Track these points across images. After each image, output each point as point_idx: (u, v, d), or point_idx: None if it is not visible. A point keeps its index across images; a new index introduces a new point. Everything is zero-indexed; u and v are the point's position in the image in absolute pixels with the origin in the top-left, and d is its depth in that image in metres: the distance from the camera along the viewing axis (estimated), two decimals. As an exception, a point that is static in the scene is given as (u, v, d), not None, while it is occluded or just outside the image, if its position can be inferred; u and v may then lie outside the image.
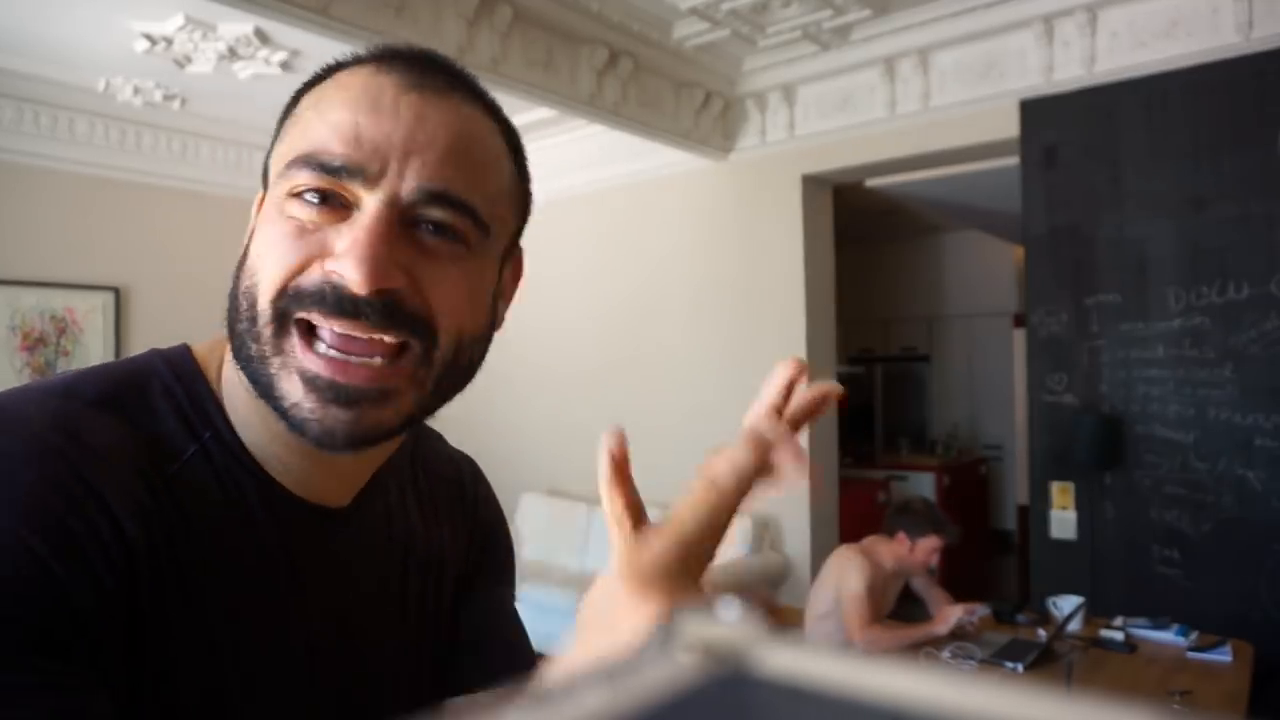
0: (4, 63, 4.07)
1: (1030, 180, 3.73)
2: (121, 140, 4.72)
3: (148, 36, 3.77)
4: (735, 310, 4.71)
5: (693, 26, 3.95)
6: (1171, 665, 2.54)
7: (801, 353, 4.48)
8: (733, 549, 4.44)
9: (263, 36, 3.82)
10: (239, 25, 3.71)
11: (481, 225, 0.54)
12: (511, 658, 0.73)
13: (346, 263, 0.49)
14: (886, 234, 7.34)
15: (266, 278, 0.51)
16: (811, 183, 4.55)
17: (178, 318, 4.78)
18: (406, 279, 0.51)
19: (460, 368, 0.55)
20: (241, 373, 0.54)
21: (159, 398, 0.54)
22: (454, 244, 0.53)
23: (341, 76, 0.55)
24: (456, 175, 0.52)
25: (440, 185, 0.52)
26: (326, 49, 3.76)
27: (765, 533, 4.55)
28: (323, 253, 0.50)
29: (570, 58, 3.87)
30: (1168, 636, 2.72)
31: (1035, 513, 3.75)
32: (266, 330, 0.51)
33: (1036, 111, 3.70)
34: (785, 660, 0.18)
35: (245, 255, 0.54)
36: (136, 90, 4.40)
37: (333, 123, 0.52)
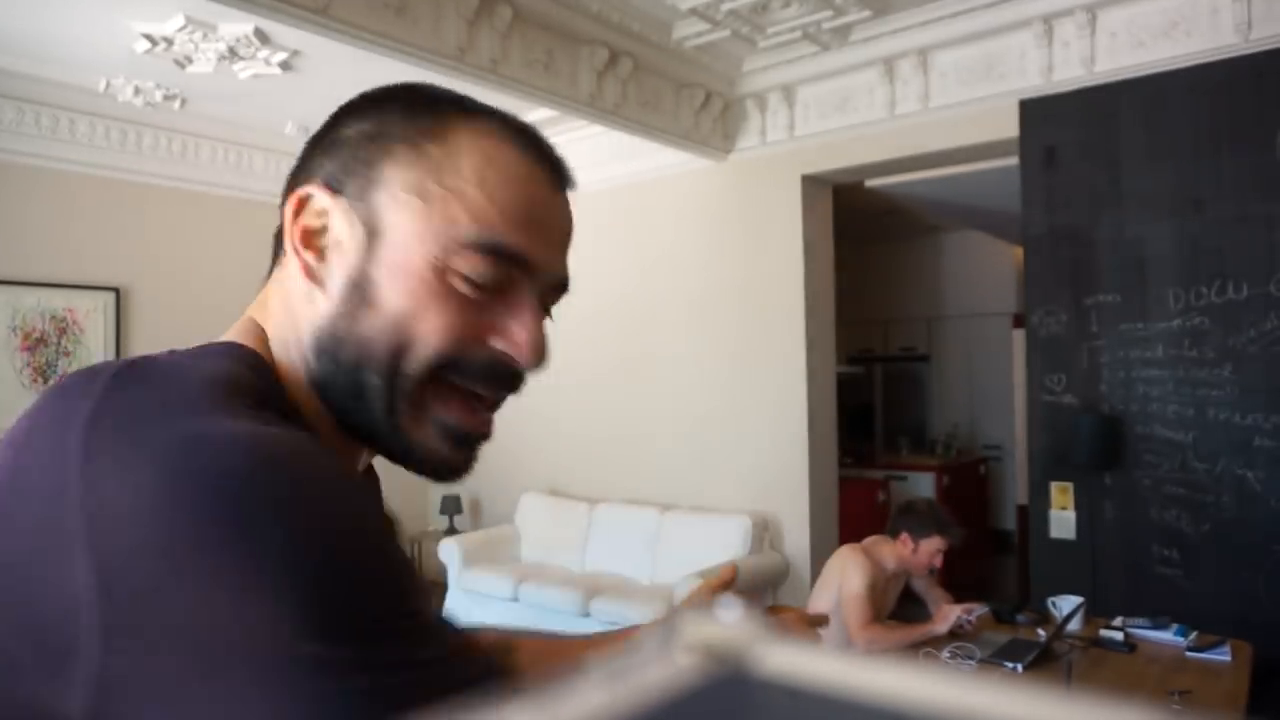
0: (4, 63, 4.08)
1: (1030, 180, 3.73)
2: (122, 140, 4.72)
3: (148, 37, 3.77)
4: (735, 310, 4.72)
5: (693, 27, 3.95)
6: (1171, 665, 2.54)
7: (801, 353, 4.49)
8: (732, 549, 4.44)
9: (263, 36, 3.82)
10: (239, 25, 3.71)
11: None
12: None
13: (527, 350, 0.57)
14: (886, 234, 7.35)
15: (429, 343, 0.55)
16: (811, 183, 4.55)
17: (178, 318, 4.78)
18: None
19: None
20: (322, 400, 0.57)
21: (264, 389, 0.55)
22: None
23: (485, 145, 0.57)
24: (568, 271, 0.62)
25: (567, 277, 0.61)
26: (326, 49, 3.76)
27: (765, 533, 4.55)
28: (489, 330, 0.57)
29: (570, 58, 3.87)
30: (1167, 636, 2.72)
31: (1035, 513, 3.75)
32: (411, 389, 0.55)
33: (1036, 111, 3.70)
34: (785, 660, 0.18)
35: (371, 296, 0.55)
36: (136, 90, 4.40)
37: (505, 210, 0.56)
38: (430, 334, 0.55)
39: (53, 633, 0.39)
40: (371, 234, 0.56)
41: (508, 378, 0.57)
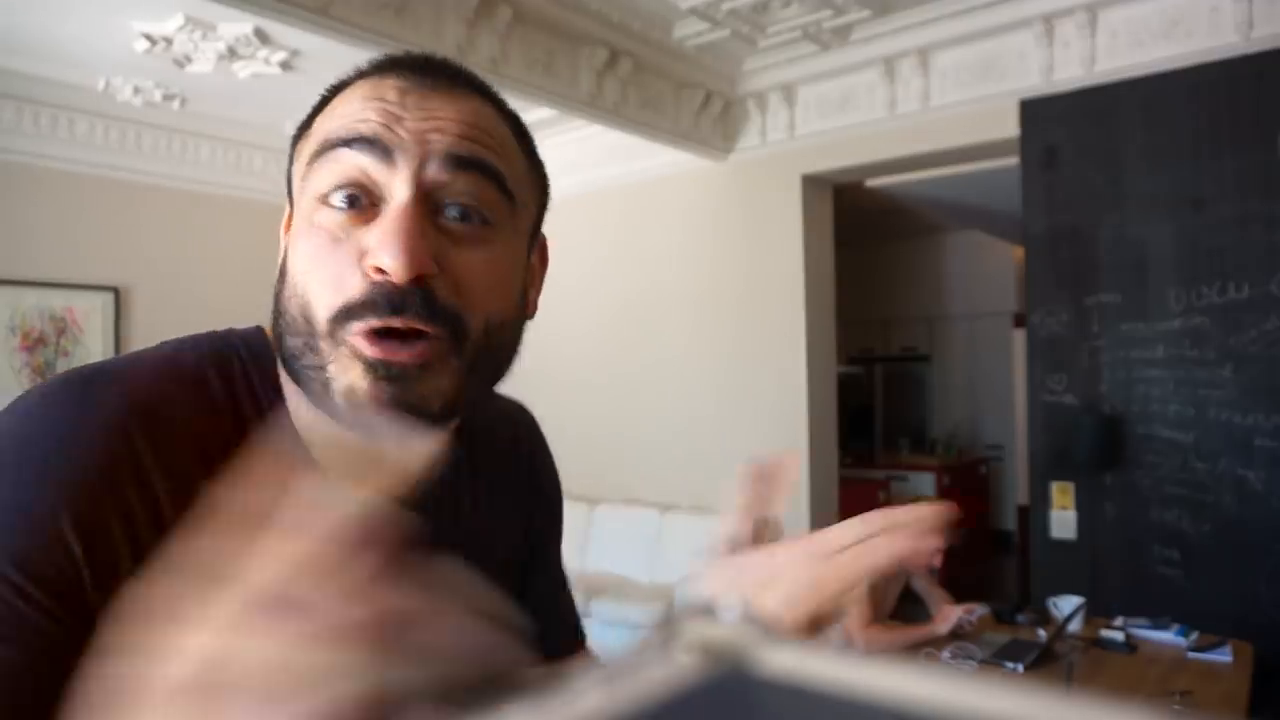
0: (4, 63, 4.07)
1: (1030, 180, 3.73)
2: (121, 140, 4.72)
3: (148, 36, 3.77)
4: (735, 310, 4.71)
5: (693, 26, 3.95)
6: (1171, 665, 2.53)
7: (801, 353, 4.49)
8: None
9: (263, 36, 3.82)
10: (239, 25, 3.71)
11: (507, 194, 0.55)
12: (563, 633, 0.76)
13: (383, 253, 0.50)
14: (886, 234, 7.35)
15: (317, 296, 0.53)
16: (811, 183, 4.55)
17: (178, 318, 4.76)
18: (437, 267, 0.52)
19: (492, 351, 0.56)
20: (290, 378, 0.56)
21: (239, 378, 0.57)
22: (480, 226, 0.54)
23: (345, 91, 0.57)
24: (477, 145, 0.54)
25: (465, 150, 0.53)
26: (326, 49, 3.76)
27: (765, 533, 4.54)
28: (360, 257, 0.52)
29: (570, 58, 3.87)
30: (1168, 637, 2.71)
31: (1035, 513, 3.74)
32: (325, 343, 0.52)
33: (1036, 111, 3.70)
34: (785, 660, 0.18)
35: (284, 270, 0.56)
36: (136, 90, 4.40)
37: (340, 115, 0.54)
38: (319, 286, 0.52)
39: None
40: (291, 212, 0.58)
41: (388, 300, 0.51)
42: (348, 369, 0.52)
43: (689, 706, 0.18)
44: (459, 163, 0.53)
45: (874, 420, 7.64)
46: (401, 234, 0.50)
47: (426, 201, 0.52)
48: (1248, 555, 3.19)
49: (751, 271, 4.66)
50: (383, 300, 0.51)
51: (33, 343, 4.45)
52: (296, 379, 0.55)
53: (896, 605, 2.98)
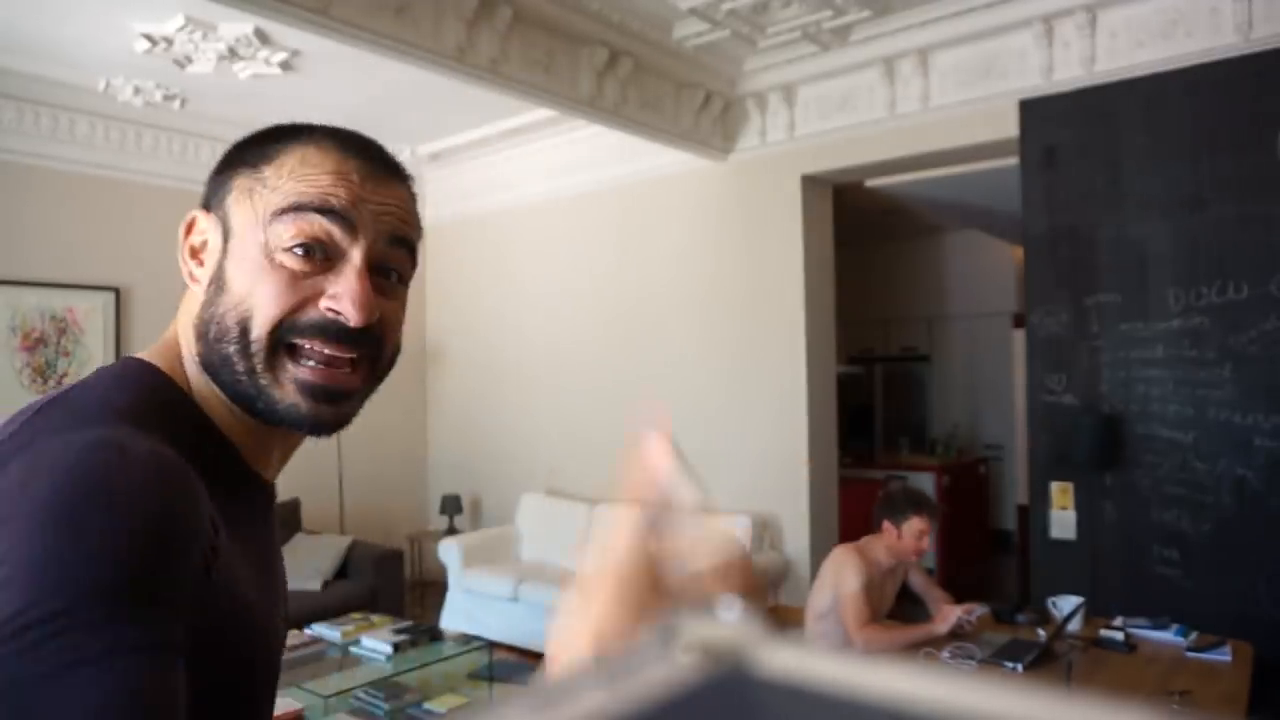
0: (4, 63, 4.08)
1: (1030, 180, 3.73)
2: (121, 140, 4.72)
3: (148, 36, 3.77)
4: (735, 310, 4.71)
5: (693, 27, 3.95)
6: (1171, 665, 2.54)
7: (801, 353, 4.49)
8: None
9: (263, 36, 3.82)
10: (239, 25, 3.71)
11: (414, 264, 0.75)
12: None
13: (348, 305, 0.66)
14: (886, 234, 7.35)
15: (263, 314, 0.66)
16: (811, 183, 4.55)
17: (178, 318, 4.78)
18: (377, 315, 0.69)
19: (387, 367, 0.74)
20: (214, 380, 0.68)
21: (167, 417, 0.65)
22: (399, 285, 0.72)
23: (307, 152, 0.68)
24: (407, 226, 0.72)
25: (402, 233, 0.71)
26: (326, 49, 3.75)
27: (765, 533, 4.55)
28: (315, 295, 0.67)
29: (570, 58, 3.87)
30: (1167, 636, 2.72)
31: (1035, 513, 3.75)
32: (261, 353, 0.66)
33: (1036, 111, 3.70)
34: (785, 660, 0.18)
35: (223, 283, 0.67)
36: (136, 90, 4.40)
37: (318, 186, 0.67)
38: (264, 304, 0.66)
39: None
40: (226, 234, 0.68)
41: (340, 332, 0.66)
42: (283, 385, 0.67)
43: (689, 706, 0.18)
44: (398, 242, 0.71)
45: (874, 420, 7.64)
46: (362, 293, 0.67)
47: (372, 262, 0.69)
48: (1247, 555, 3.19)
49: (751, 271, 4.66)
50: (333, 332, 0.67)
51: (33, 343, 4.45)
52: (219, 379, 0.67)
53: (896, 605, 2.98)
